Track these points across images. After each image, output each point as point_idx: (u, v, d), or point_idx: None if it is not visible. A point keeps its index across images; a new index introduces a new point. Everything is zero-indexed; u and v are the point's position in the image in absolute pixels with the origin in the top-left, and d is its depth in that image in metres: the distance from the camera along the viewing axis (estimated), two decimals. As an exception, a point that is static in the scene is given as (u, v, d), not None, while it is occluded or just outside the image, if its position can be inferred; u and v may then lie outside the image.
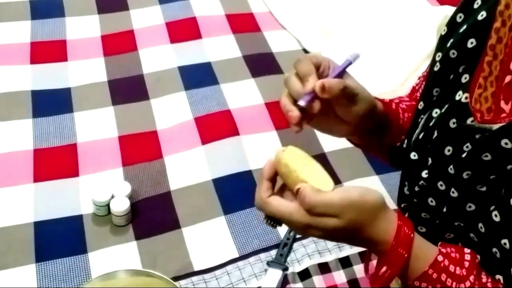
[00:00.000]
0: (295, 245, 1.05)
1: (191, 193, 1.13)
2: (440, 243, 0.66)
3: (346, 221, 0.61)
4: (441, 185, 0.66)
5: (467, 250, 0.64)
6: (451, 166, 0.64)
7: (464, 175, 0.63)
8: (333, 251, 1.04)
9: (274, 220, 0.65)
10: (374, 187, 1.03)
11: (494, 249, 0.61)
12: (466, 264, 0.62)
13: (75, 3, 1.62)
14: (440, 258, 0.63)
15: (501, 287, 0.61)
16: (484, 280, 0.62)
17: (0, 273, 0.98)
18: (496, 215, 0.60)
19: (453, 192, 0.65)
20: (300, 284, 0.99)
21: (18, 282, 0.97)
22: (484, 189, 0.62)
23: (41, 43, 1.48)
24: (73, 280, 0.98)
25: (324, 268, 1.01)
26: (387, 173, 1.19)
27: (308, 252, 1.03)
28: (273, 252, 1.04)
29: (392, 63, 1.39)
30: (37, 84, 1.35)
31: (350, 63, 0.70)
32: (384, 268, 0.63)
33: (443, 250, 0.64)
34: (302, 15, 1.59)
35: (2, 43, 1.46)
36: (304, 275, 1.00)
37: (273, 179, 0.65)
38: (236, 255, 1.04)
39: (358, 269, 1.01)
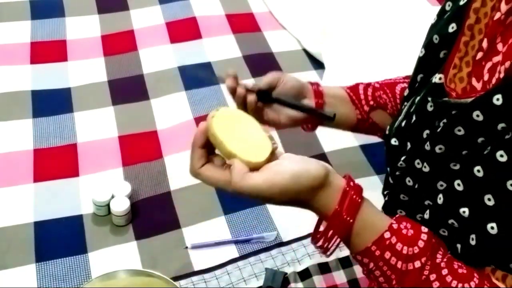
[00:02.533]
0: (295, 245, 1.05)
1: (191, 193, 1.13)
2: (396, 217, 0.63)
3: (280, 202, 0.61)
4: (418, 164, 0.65)
5: (424, 229, 0.61)
6: (428, 143, 0.63)
7: (437, 149, 0.61)
8: (333, 251, 1.04)
9: None
10: (374, 187, 1.04)
11: (451, 221, 0.60)
12: (421, 243, 0.60)
13: (75, 3, 1.62)
14: (387, 234, 0.60)
15: (455, 263, 0.60)
16: (438, 260, 0.60)
17: (0, 273, 0.98)
18: (459, 184, 0.58)
19: (425, 167, 0.63)
20: (300, 284, 0.99)
21: (18, 282, 0.97)
22: (457, 167, 0.60)
23: (41, 43, 1.48)
24: (73, 280, 0.98)
25: (324, 268, 1.01)
26: (387, 173, 1.19)
27: (308, 252, 1.03)
28: (274, 252, 1.03)
29: (392, 63, 1.38)
30: (37, 84, 1.35)
31: None
32: (330, 232, 0.62)
33: (395, 226, 0.61)
34: (302, 15, 1.59)
35: (2, 43, 1.46)
36: (305, 275, 1.00)
37: (206, 145, 0.62)
38: (236, 255, 1.04)
39: (358, 269, 1.01)
